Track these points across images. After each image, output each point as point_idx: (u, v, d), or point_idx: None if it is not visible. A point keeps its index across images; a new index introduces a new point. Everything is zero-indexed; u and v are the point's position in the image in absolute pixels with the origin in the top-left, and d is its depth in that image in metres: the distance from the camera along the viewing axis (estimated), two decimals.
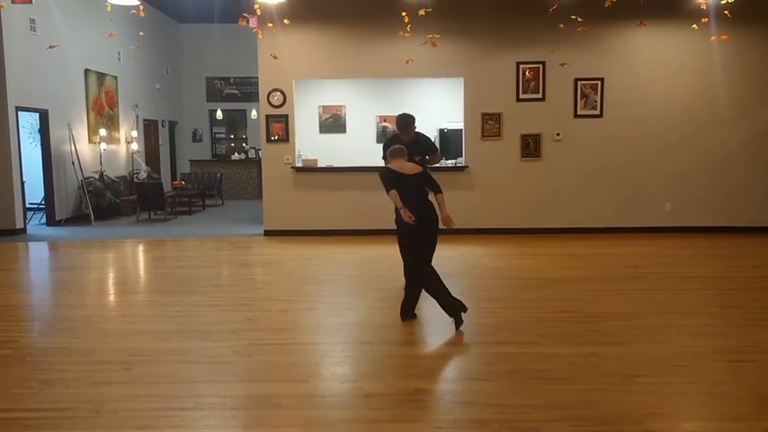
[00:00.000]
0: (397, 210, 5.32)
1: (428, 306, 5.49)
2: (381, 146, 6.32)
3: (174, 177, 16.21)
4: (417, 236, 5.20)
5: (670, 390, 3.85)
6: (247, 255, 8.86)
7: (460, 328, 4.98)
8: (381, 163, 6.02)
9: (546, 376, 4.05)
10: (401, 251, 5.54)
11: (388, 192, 5.22)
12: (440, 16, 8.44)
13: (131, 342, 4.84)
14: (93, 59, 12.55)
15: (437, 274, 5.17)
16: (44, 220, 11.52)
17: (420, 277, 5.21)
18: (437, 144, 10.60)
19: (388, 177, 5.26)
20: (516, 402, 3.66)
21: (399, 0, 7.80)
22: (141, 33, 11.52)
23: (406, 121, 6.13)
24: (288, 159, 9.82)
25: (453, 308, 5.05)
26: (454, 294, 5.10)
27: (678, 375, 4.07)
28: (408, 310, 5.30)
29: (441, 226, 5.33)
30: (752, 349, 4.54)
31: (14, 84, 10.24)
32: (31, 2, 9.85)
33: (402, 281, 6.08)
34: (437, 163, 6.81)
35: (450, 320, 5.05)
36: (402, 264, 5.53)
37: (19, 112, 10.50)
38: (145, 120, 15.04)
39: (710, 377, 4.07)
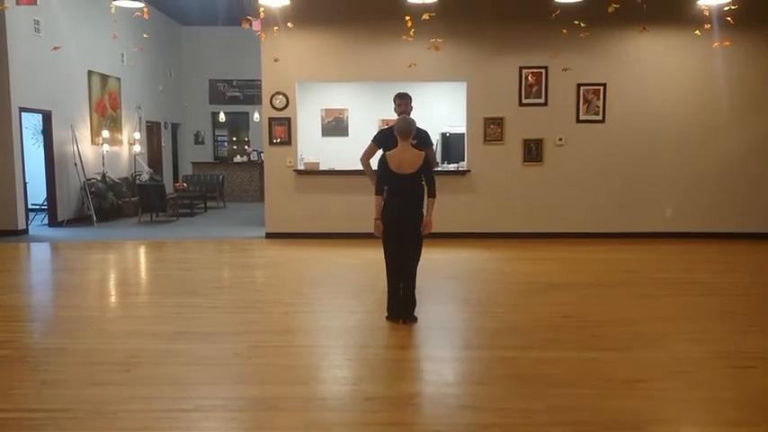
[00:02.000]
0: (378, 208, 5.23)
1: (429, 310, 5.49)
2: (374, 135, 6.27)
3: (176, 179, 16.22)
4: (392, 232, 5.19)
5: (670, 395, 3.85)
6: (248, 257, 8.86)
7: (461, 332, 4.98)
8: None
9: (547, 381, 4.05)
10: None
11: (375, 192, 5.16)
12: (443, 20, 8.45)
13: (132, 343, 4.84)
14: (97, 61, 12.58)
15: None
16: (46, 220, 11.53)
17: (404, 275, 5.20)
18: (438, 149, 10.62)
19: (383, 175, 5.16)
20: (517, 407, 3.66)
21: (403, 4, 7.82)
22: (145, 35, 11.56)
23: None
24: (290, 162, 9.83)
25: (395, 308, 5.17)
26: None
27: (678, 381, 4.07)
28: (407, 311, 5.26)
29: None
30: (752, 355, 4.53)
31: (18, 84, 10.27)
32: (35, 3, 9.89)
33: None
34: (434, 167, 6.79)
35: (451, 325, 5.05)
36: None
37: (22, 113, 10.53)
38: (147, 121, 15.07)
39: (711, 383, 4.07)
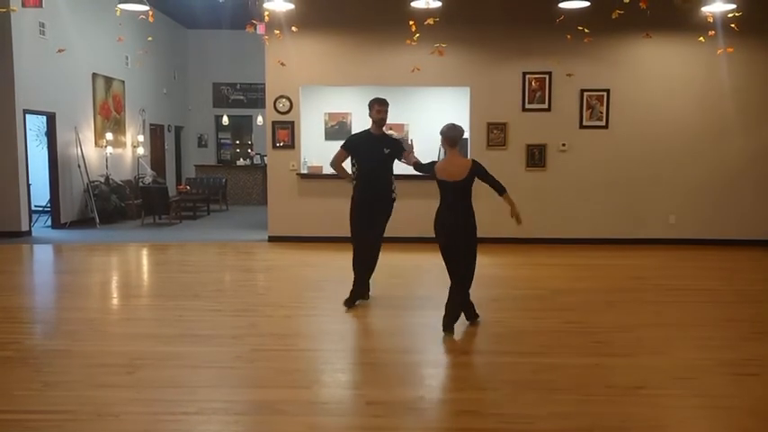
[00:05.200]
0: (438, 215, 5.17)
1: (431, 315, 5.48)
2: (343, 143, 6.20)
3: (179, 182, 16.25)
4: (448, 248, 5.13)
5: (673, 402, 3.84)
6: (251, 260, 8.86)
7: (463, 337, 4.97)
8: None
9: (549, 386, 4.04)
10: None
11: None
12: (447, 25, 8.46)
13: (134, 346, 4.85)
14: (101, 63, 12.62)
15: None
16: (49, 222, 11.54)
17: (460, 285, 5.15)
18: (441, 153, 10.60)
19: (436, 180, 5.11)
20: (519, 412, 3.65)
21: (407, 9, 7.83)
22: (150, 38, 11.58)
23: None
24: (293, 166, 9.84)
25: (451, 319, 5.10)
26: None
27: (681, 388, 4.05)
28: (450, 322, 5.14)
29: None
30: (756, 363, 4.52)
31: (23, 86, 10.29)
32: (41, 5, 9.92)
33: (403, 290, 6.10)
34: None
35: (455, 329, 5.06)
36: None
37: (26, 115, 10.55)
38: (151, 124, 15.10)
39: (714, 390, 4.05)
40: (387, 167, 6.03)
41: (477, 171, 5.15)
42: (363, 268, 6.01)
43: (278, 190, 9.91)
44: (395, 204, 6.12)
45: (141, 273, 8.46)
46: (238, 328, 5.33)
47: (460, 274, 5.14)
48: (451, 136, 5.14)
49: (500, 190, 5.23)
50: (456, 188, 5.10)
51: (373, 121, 6.08)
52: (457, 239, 5.11)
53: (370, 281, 6.16)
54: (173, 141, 16.68)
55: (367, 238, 5.95)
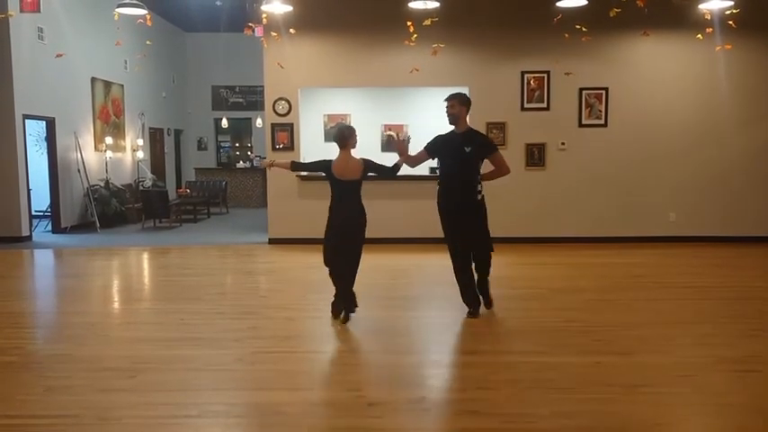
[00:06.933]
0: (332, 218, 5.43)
1: (431, 315, 5.50)
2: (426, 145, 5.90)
3: (179, 185, 16.27)
4: (336, 238, 5.43)
5: (674, 400, 3.84)
6: (252, 263, 8.87)
7: (464, 337, 4.98)
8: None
9: (550, 385, 4.04)
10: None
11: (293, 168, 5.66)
12: (445, 26, 8.47)
13: (136, 349, 4.85)
14: (100, 68, 12.64)
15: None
16: (50, 227, 11.56)
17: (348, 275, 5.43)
18: None
19: (328, 179, 5.37)
20: (520, 412, 3.66)
21: (405, 10, 7.85)
22: (148, 42, 11.59)
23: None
24: None
25: (348, 302, 5.35)
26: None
27: (682, 385, 4.06)
28: (340, 309, 5.49)
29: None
30: (756, 360, 4.52)
31: (22, 92, 10.31)
32: (38, 10, 9.94)
33: (405, 290, 6.11)
34: (501, 175, 5.92)
35: (454, 330, 5.06)
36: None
37: (26, 120, 10.57)
38: (150, 128, 15.12)
39: (715, 387, 4.06)
40: (469, 170, 5.55)
41: (368, 167, 5.41)
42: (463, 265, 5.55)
43: (278, 192, 9.92)
44: (484, 204, 5.69)
45: (142, 276, 8.47)
46: (240, 330, 5.33)
47: (351, 271, 5.47)
48: (339, 137, 5.44)
49: (392, 172, 5.51)
50: (349, 187, 5.39)
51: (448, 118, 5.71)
52: (350, 233, 5.43)
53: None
54: (172, 145, 16.70)
55: (459, 240, 5.51)
